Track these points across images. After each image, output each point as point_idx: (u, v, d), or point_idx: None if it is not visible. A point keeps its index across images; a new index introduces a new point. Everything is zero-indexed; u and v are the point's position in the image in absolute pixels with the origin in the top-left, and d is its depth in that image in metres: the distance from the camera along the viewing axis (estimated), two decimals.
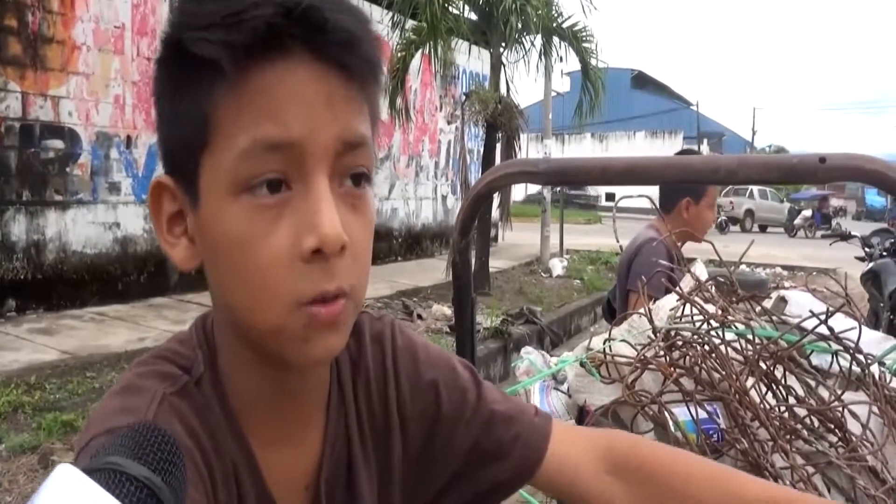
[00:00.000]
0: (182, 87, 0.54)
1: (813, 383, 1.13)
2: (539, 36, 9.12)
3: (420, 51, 8.48)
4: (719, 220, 23.00)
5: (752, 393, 1.12)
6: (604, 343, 1.30)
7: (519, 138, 8.90)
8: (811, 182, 1.01)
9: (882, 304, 4.83)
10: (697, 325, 1.22)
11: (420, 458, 0.70)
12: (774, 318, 1.24)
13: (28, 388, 4.17)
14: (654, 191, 2.19)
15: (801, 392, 1.13)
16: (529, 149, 17.69)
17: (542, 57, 9.40)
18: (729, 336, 1.17)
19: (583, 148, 34.51)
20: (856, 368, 1.13)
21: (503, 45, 8.69)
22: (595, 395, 1.27)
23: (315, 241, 0.52)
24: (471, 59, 12.31)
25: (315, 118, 0.53)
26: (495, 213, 10.20)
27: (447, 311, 6.82)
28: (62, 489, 0.34)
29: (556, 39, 9.34)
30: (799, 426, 1.09)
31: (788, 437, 1.08)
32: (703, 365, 1.15)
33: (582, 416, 1.30)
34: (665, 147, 31.78)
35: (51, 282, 6.37)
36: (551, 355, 1.63)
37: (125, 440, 0.40)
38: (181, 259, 0.59)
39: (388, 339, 0.72)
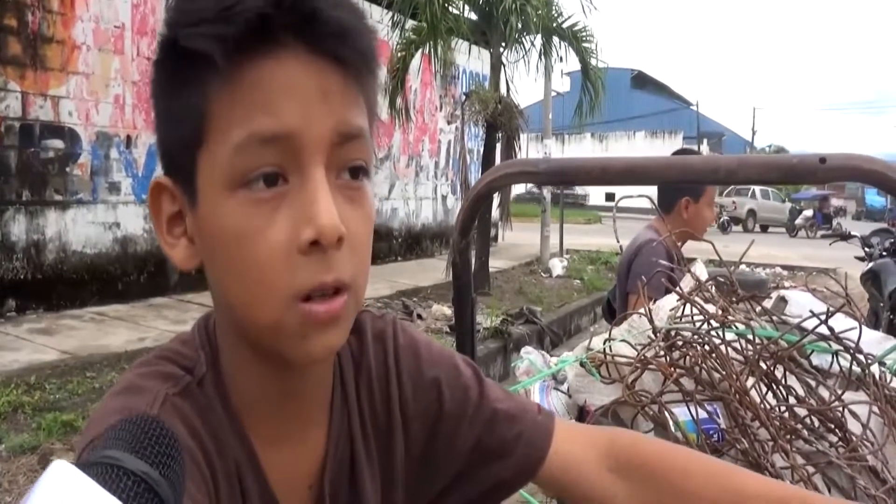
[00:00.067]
0: (177, 85, 0.55)
1: (813, 383, 1.13)
2: (539, 36, 9.12)
3: (420, 51, 8.48)
4: (721, 220, 23.06)
5: (753, 393, 1.12)
6: (604, 343, 1.30)
7: (519, 138, 8.91)
8: (811, 182, 1.01)
9: (882, 304, 4.83)
10: (697, 325, 1.22)
11: (422, 457, 0.70)
12: (774, 318, 1.25)
13: (28, 388, 4.17)
14: (652, 191, 2.20)
15: (801, 392, 1.13)
16: (529, 149, 17.69)
17: (542, 57, 9.41)
18: (729, 336, 1.17)
19: (583, 148, 34.52)
20: (856, 368, 1.13)
21: (503, 44, 8.70)
22: (595, 395, 1.27)
23: (312, 232, 0.52)
24: (471, 59, 12.31)
25: (310, 110, 0.53)
26: (495, 212, 10.21)
27: (447, 310, 6.82)
28: (57, 486, 0.33)
29: (556, 39, 9.35)
30: (799, 426, 1.10)
31: (789, 436, 1.08)
32: (704, 365, 1.15)
33: (582, 416, 1.30)
34: (665, 147, 31.79)
35: (51, 282, 6.37)
36: (551, 355, 1.62)
37: (122, 433, 0.40)
38: (181, 259, 0.59)
39: (391, 338, 0.72)
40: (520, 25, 8.57)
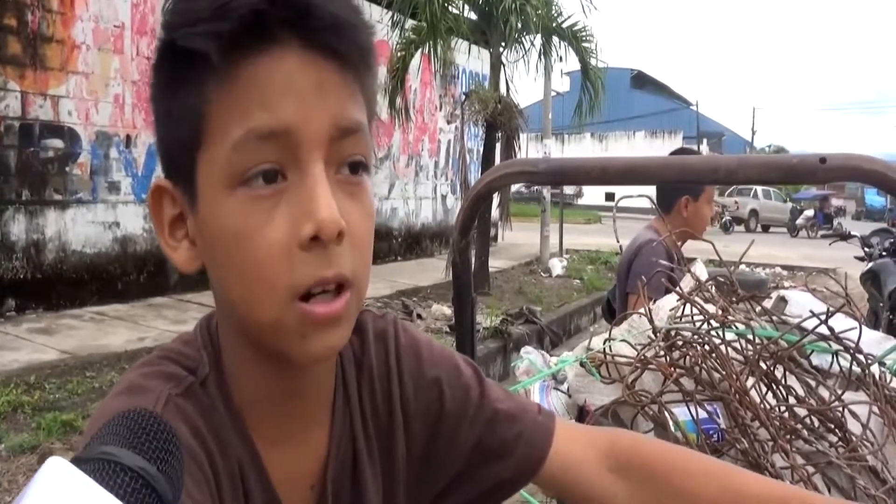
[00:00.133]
0: (175, 86, 0.55)
1: (813, 383, 1.13)
2: (539, 36, 9.12)
3: (420, 50, 8.48)
4: (724, 220, 23.09)
5: (753, 393, 1.12)
6: (604, 343, 1.30)
7: (518, 138, 8.91)
8: (811, 182, 1.01)
9: (881, 304, 4.83)
10: (697, 325, 1.22)
11: (423, 457, 0.70)
12: (774, 318, 1.25)
13: (28, 387, 4.17)
14: (651, 190, 2.20)
15: (801, 392, 1.13)
16: (529, 148, 17.70)
17: (542, 57, 9.41)
18: (729, 336, 1.17)
19: (582, 148, 34.50)
20: (856, 368, 1.13)
21: (503, 44, 8.70)
22: (595, 395, 1.27)
23: (312, 227, 0.52)
24: (470, 59, 12.31)
25: (307, 105, 0.53)
26: (495, 212, 10.21)
27: (447, 310, 6.82)
28: (52, 483, 0.33)
29: (555, 39, 9.35)
30: (799, 426, 1.10)
31: (788, 436, 1.08)
32: (704, 365, 1.15)
33: (582, 416, 1.30)
34: (665, 147, 31.76)
35: (50, 281, 6.37)
36: (551, 355, 1.62)
37: (119, 429, 0.39)
38: (183, 262, 0.59)
39: (392, 337, 0.72)
40: (519, 25, 8.58)
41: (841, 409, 1.09)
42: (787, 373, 1.14)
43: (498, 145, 8.83)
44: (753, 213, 26.38)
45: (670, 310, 1.30)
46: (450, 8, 8.26)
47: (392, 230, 11.27)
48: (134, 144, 7.10)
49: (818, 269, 9.24)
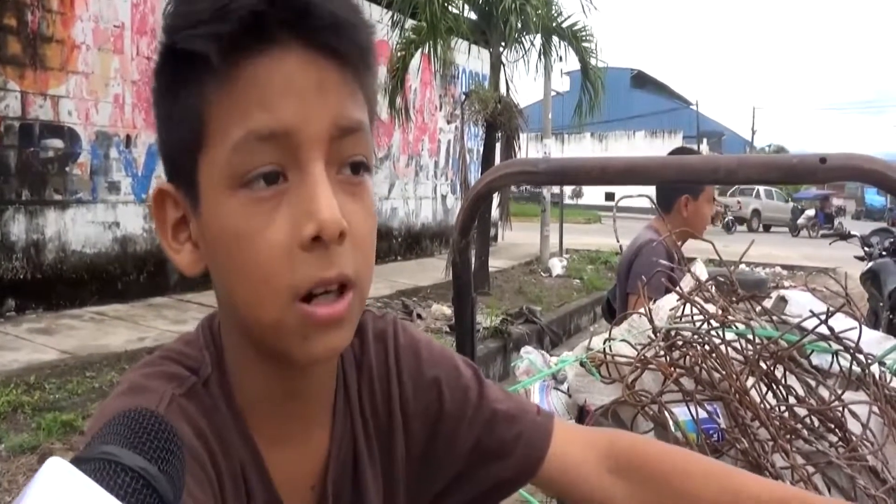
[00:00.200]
0: (176, 89, 0.55)
1: (813, 383, 1.13)
2: (539, 35, 9.12)
3: (420, 50, 8.48)
4: (726, 219, 23.11)
5: (753, 393, 1.12)
6: (604, 343, 1.30)
7: (518, 138, 8.91)
8: (811, 182, 1.01)
9: (881, 304, 4.83)
10: (697, 324, 1.22)
11: (423, 457, 0.70)
12: (774, 317, 1.25)
13: (27, 387, 4.17)
14: (651, 190, 2.20)
15: (801, 392, 1.13)
16: (529, 148, 17.70)
17: (542, 56, 9.41)
18: (729, 336, 1.17)
19: (582, 147, 34.49)
20: (856, 368, 1.13)
21: (503, 44, 8.69)
22: (595, 395, 1.27)
23: (313, 227, 0.52)
24: (470, 59, 12.31)
25: (307, 105, 0.53)
26: (495, 212, 10.21)
27: (447, 310, 6.82)
28: (52, 484, 0.33)
29: (555, 39, 9.35)
30: (799, 426, 1.10)
31: (789, 436, 1.08)
32: (704, 365, 1.15)
33: (582, 415, 1.30)
34: (665, 147, 31.73)
35: (50, 281, 6.37)
36: (551, 355, 1.62)
37: (120, 428, 0.39)
38: (186, 264, 0.59)
39: (391, 337, 0.72)
40: (519, 25, 8.57)
41: (841, 408, 1.09)
42: (787, 373, 1.14)
43: (498, 145, 8.83)
44: (756, 212, 26.42)
45: (670, 310, 1.30)
46: (450, 8, 8.26)
47: (392, 230, 11.27)
48: (134, 144, 7.10)
49: (818, 269, 9.24)
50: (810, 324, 1.12)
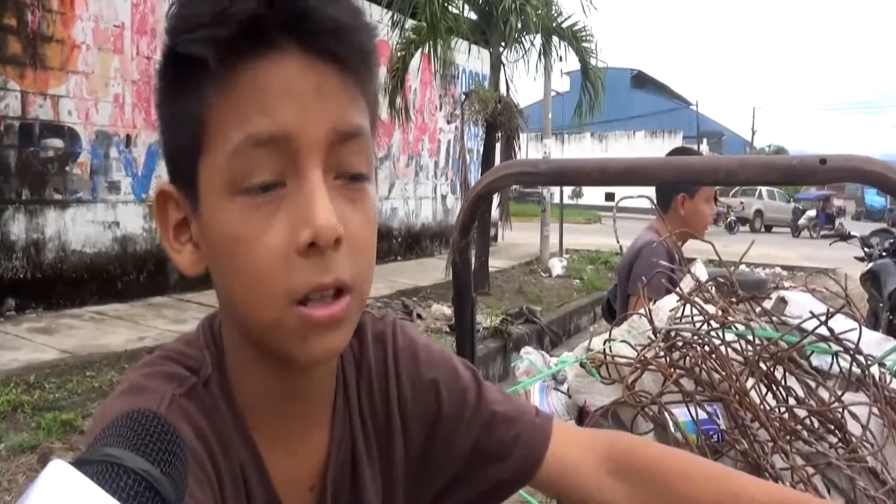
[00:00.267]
0: (177, 91, 0.55)
1: (813, 384, 1.13)
2: (539, 36, 9.12)
3: (420, 50, 8.48)
4: (729, 220, 23.13)
5: (752, 394, 1.12)
6: (604, 343, 1.30)
7: (518, 138, 8.91)
8: (811, 183, 1.01)
9: (881, 305, 4.83)
10: (697, 325, 1.22)
11: (421, 459, 0.70)
12: (774, 318, 1.25)
13: (27, 387, 4.17)
14: (650, 190, 2.20)
15: (801, 393, 1.13)
16: (529, 148, 17.71)
17: (542, 57, 9.41)
18: (729, 337, 1.17)
19: (582, 147, 34.49)
20: (856, 369, 1.13)
21: (503, 44, 8.69)
22: (595, 396, 1.27)
23: (309, 233, 0.52)
24: (470, 59, 12.31)
25: (305, 110, 0.52)
26: (495, 212, 10.21)
27: (447, 310, 6.81)
28: (54, 487, 0.33)
29: (555, 39, 9.35)
30: (799, 427, 1.10)
31: (788, 437, 1.08)
32: (704, 366, 1.15)
33: (582, 416, 1.30)
34: (665, 147, 31.69)
35: (50, 281, 6.37)
36: (551, 355, 1.62)
37: (123, 430, 0.39)
38: (187, 265, 0.59)
39: (390, 339, 0.72)
40: (519, 25, 8.57)
41: (841, 410, 1.09)
42: (787, 374, 1.14)
43: (498, 145, 8.83)
44: (758, 213, 26.46)
45: (670, 310, 1.30)
46: (450, 8, 8.26)
47: (392, 230, 11.27)
48: (134, 144, 7.10)
49: (818, 270, 9.24)
50: (810, 325, 1.12)
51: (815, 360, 1.19)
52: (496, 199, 8.93)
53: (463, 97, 9.52)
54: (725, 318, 1.21)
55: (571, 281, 9.95)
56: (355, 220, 0.55)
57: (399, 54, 8.44)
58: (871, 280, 5.18)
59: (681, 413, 1.12)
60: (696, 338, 1.19)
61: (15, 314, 6.07)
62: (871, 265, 5.36)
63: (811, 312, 1.12)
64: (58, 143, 6.43)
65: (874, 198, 35.48)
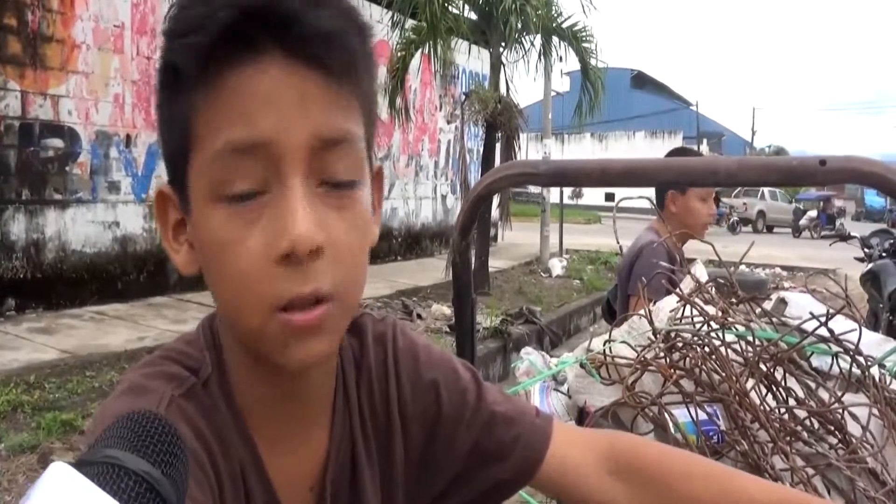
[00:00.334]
0: (169, 95, 0.55)
1: (813, 385, 1.13)
2: (539, 36, 9.12)
3: (420, 50, 8.48)
4: (731, 220, 23.15)
5: (752, 394, 1.12)
6: (604, 344, 1.30)
7: (518, 138, 8.91)
8: (811, 184, 1.02)
9: (881, 305, 4.83)
10: (697, 326, 1.22)
11: (421, 460, 0.70)
12: (774, 319, 1.25)
13: (27, 387, 4.17)
14: (650, 191, 2.19)
15: (801, 394, 1.13)
16: (529, 148, 17.71)
17: (542, 57, 9.41)
18: (729, 338, 1.17)
19: (582, 148, 34.48)
20: (856, 370, 1.13)
21: (503, 44, 8.69)
22: (595, 397, 1.27)
23: (285, 244, 0.51)
24: (470, 59, 12.31)
25: (286, 117, 0.52)
26: (495, 212, 10.21)
27: (447, 310, 6.81)
28: (55, 489, 0.33)
29: (555, 39, 9.35)
30: (799, 428, 1.10)
31: (788, 438, 1.08)
32: (704, 366, 1.15)
33: (582, 417, 1.30)
34: (665, 147, 31.64)
35: (50, 281, 6.37)
36: (551, 355, 1.62)
37: (123, 431, 0.39)
38: (183, 264, 0.60)
39: (390, 340, 0.72)
40: (519, 25, 8.57)
41: (841, 411, 1.09)
42: (787, 374, 1.14)
43: (498, 145, 8.83)
44: (761, 214, 26.52)
45: (670, 311, 1.30)
46: (450, 8, 8.26)
47: (392, 230, 11.26)
48: (134, 144, 7.10)
49: (818, 270, 9.24)
50: (810, 326, 1.12)
51: (815, 361, 1.19)
52: (496, 200, 8.93)
53: (463, 97, 9.52)
54: (725, 318, 1.21)
55: (571, 281, 9.95)
56: (340, 228, 0.54)
57: (399, 54, 8.45)
58: (871, 281, 5.17)
59: (681, 414, 1.12)
60: (696, 339, 1.19)
61: (15, 314, 6.07)
62: (870, 266, 5.36)
63: (811, 313, 1.12)
64: (58, 143, 6.43)
65: (874, 198, 35.45)
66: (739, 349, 1.16)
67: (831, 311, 1.12)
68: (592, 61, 9.45)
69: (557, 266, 10.81)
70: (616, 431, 0.88)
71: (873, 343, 1.24)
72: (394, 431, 0.69)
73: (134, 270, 7.08)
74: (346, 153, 0.55)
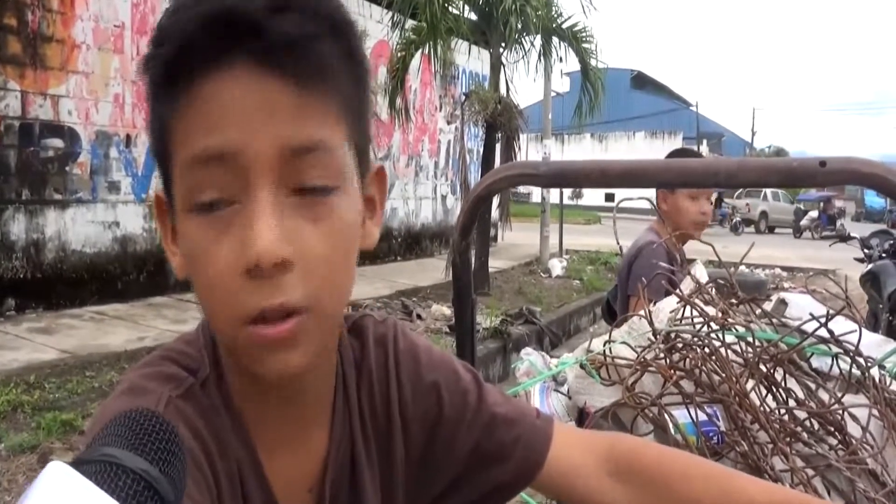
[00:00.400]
0: (150, 105, 0.56)
1: (813, 386, 1.13)
2: (539, 36, 9.12)
3: (420, 51, 8.48)
4: (734, 221, 23.18)
5: (752, 395, 1.12)
6: (604, 345, 1.30)
7: (518, 138, 8.91)
8: (811, 185, 1.01)
9: (881, 306, 4.83)
10: (697, 327, 1.22)
11: (422, 461, 0.70)
12: (774, 320, 1.25)
13: (27, 387, 4.17)
14: (650, 192, 2.19)
15: (801, 395, 1.13)
16: (529, 149, 17.68)
17: (542, 57, 9.40)
18: (729, 338, 1.17)
19: (582, 148, 34.47)
20: (856, 371, 1.13)
21: (503, 45, 8.69)
22: (595, 397, 1.27)
23: (249, 258, 0.50)
24: (470, 59, 12.30)
25: (252, 126, 0.51)
26: (495, 213, 10.21)
27: (446, 311, 6.81)
28: (53, 488, 0.33)
29: (555, 40, 9.35)
30: (799, 429, 1.10)
31: (788, 439, 1.08)
32: (704, 367, 1.15)
33: (582, 417, 1.30)
34: (665, 148, 31.62)
35: (50, 281, 6.37)
36: (551, 356, 1.62)
37: (121, 430, 0.39)
38: (177, 267, 0.60)
39: (391, 342, 0.72)
40: (519, 26, 8.57)
41: (841, 411, 1.09)
42: (787, 375, 1.14)
43: (498, 146, 8.83)
44: (763, 214, 26.57)
45: (670, 312, 1.30)
46: (450, 8, 8.26)
47: (392, 230, 11.26)
48: (134, 144, 7.10)
49: (818, 271, 9.24)
50: (810, 326, 1.12)
51: (815, 362, 1.19)
52: (496, 200, 8.92)
53: (463, 98, 9.51)
54: (725, 319, 1.21)
55: (571, 281, 9.95)
56: (314, 238, 0.53)
57: (399, 55, 8.45)
58: (871, 281, 5.17)
59: (681, 415, 1.12)
60: (696, 339, 1.19)
61: (15, 314, 6.07)
62: (870, 266, 5.36)
63: (811, 314, 1.12)
64: (58, 143, 6.43)
65: (874, 199, 35.45)
66: (739, 350, 1.16)
67: (831, 311, 1.12)
68: (592, 62, 9.45)
69: (557, 266, 10.80)
70: (616, 433, 0.88)
71: (873, 344, 1.24)
72: (394, 432, 0.69)
73: (134, 270, 7.08)
74: (320, 160, 0.53)
